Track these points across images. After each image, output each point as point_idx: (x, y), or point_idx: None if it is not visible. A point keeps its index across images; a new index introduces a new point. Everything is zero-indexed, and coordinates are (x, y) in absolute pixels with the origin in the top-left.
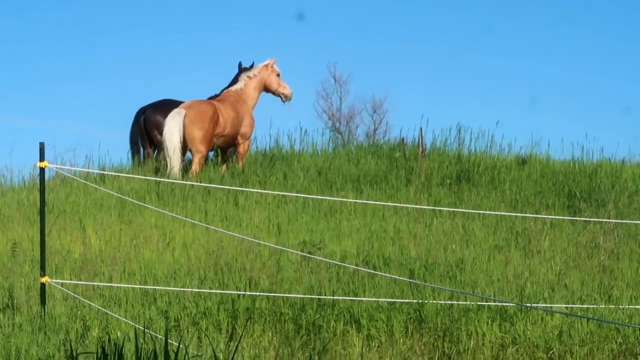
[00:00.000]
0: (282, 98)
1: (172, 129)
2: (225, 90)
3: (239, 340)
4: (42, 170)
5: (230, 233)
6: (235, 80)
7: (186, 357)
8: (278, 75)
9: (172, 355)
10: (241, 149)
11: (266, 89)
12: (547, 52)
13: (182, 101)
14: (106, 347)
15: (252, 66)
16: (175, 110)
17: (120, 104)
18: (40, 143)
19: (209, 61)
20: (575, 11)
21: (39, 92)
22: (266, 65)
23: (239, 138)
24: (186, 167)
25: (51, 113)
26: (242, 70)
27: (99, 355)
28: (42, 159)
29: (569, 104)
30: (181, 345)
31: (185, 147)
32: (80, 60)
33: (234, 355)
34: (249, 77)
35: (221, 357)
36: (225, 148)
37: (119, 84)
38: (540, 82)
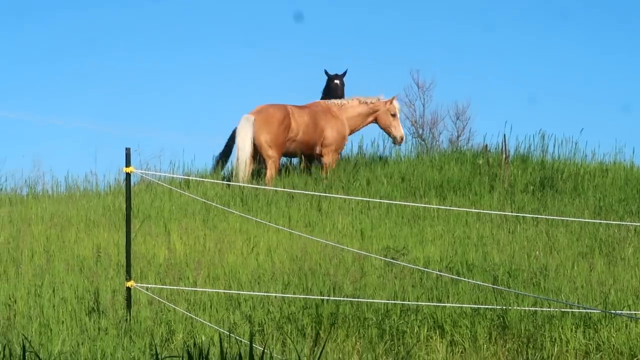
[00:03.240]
0: (392, 139)
1: (245, 137)
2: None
3: (323, 346)
4: (128, 175)
5: (314, 238)
6: (333, 91)
7: None
8: (394, 115)
9: (257, 359)
10: (325, 159)
11: (377, 122)
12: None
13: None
14: (191, 351)
15: (344, 74)
16: (245, 117)
17: (204, 110)
18: (126, 149)
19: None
20: None
21: (124, 98)
22: (385, 102)
23: (322, 148)
24: (259, 172)
25: (136, 119)
26: (330, 78)
27: (184, 359)
28: (128, 164)
29: None
30: (266, 350)
31: (256, 154)
32: (164, 67)
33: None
34: (360, 102)
35: None
36: (303, 154)
37: (202, 91)
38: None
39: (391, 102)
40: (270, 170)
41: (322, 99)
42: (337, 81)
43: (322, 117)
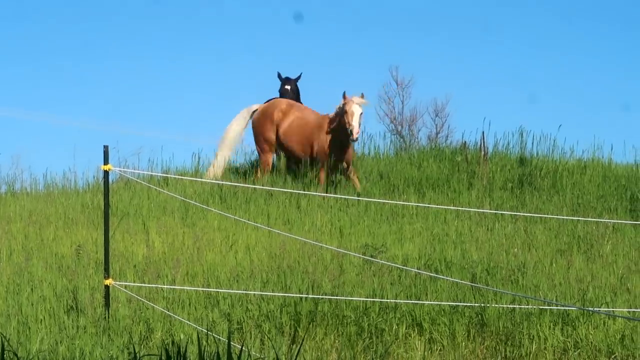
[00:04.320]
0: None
1: (236, 122)
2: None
3: (302, 343)
4: (106, 173)
5: (293, 236)
6: (283, 97)
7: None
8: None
9: (235, 358)
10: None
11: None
12: (608, 53)
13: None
14: (169, 349)
15: (298, 78)
16: (248, 108)
17: (183, 108)
18: (104, 146)
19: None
20: None
21: (102, 95)
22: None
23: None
24: (248, 171)
25: (114, 116)
26: (282, 82)
27: (162, 358)
28: (106, 162)
29: (632, 107)
30: (244, 348)
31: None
32: (143, 64)
33: (296, 358)
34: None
35: (284, 359)
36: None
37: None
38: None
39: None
40: (259, 167)
41: None
42: (287, 86)
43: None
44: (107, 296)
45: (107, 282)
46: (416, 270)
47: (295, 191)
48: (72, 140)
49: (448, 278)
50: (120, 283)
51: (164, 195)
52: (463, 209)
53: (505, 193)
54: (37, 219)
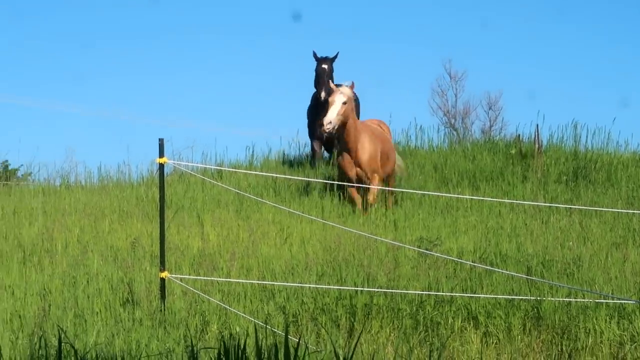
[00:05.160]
0: None
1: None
2: None
3: (359, 337)
4: (161, 166)
5: (348, 229)
6: (319, 77)
7: (306, 353)
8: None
9: (292, 351)
10: None
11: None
12: None
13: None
14: (227, 342)
15: (335, 57)
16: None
17: (236, 101)
18: (159, 139)
19: None
20: None
21: (156, 88)
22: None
23: None
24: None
25: (168, 110)
26: (318, 61)
27: (220, 350)
28: (161, 155)
29: None
30: (301, 341)
31: None
32: (196, 58)
33: (353, 351)
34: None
35: (341, 353)
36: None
37: (232, 81)
38: None
39: None
40: None
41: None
42: (324, 66)
43: None
44: (162, 289)
45: (163, 274)
46: (471, 263)
47: (349, 184)
48: (126, 134)
49: (503, 271)
50: (176, 276)
51: (218, 188)
52: (517, 202)
53: (560, 186)
54: (92, 212)
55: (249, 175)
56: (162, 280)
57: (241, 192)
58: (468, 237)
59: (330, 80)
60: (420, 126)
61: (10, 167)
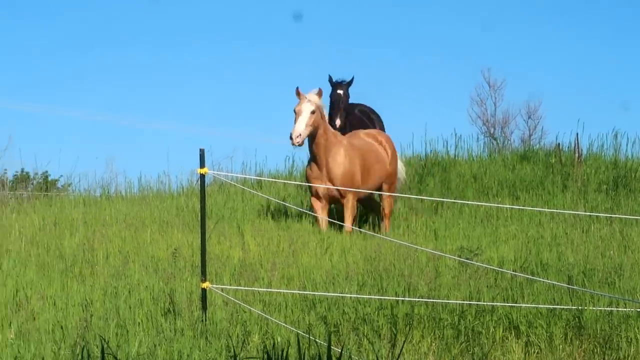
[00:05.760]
0: None
1: None
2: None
3: (402, 347)
4: (202, 176)
5: (389, 238)
6: (335, 103)
7: None
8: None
9: None
10: None
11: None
12: None
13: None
14: (270, 352)
15: (350, 82)
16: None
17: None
18: (200, 150)
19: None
20: None
21: (195, 98)
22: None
23: None
24: None
25: (207, 119)
26: (333, 86)
27: None
28: (202, 165)
29: None
30: (343, 351)
31: None
32: (237, 68)
33: None
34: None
35: None
36: None
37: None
38: None
39: None
40: None
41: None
42: (339, 91)
43: None
44: (204, 299)
45: (204, 285)
46: (512, 273)
47: (390, 194)
48: (165, 144)
49: (545, 280)
50: (217, 286)
51: (258, 198)
52: (558, 211)
53: (600, 195)
54: (132, 222)
55: (289, 185)
56: (204, 290)
57: (281, 202)
58: (508, 246)
59: (345, 107)
60: (460, 136)
61: (50, 178)
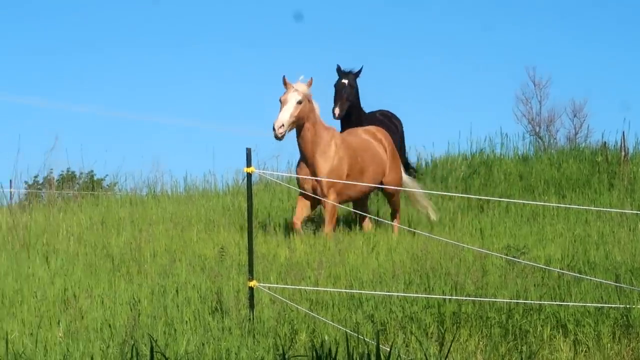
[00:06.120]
0: None
1: None
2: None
3: (450, 345)
4: (249, 175)
5: (435, 237)
6: (337, 93)
7: None
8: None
9: (384, 359)
10: None
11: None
12: None
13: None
14: (319, 351)
15: (358, 72)
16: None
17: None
18: (247, 149)
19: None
20: None
21: (240, 97)
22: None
23: None
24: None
25: (253, 118)
26: (339, 76)
27: (313, 358)
28: (248, 164)
29: None
30: (392, 350)
31: None
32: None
33: None
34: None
35: None
36: None
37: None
38: None
39: None
40: None
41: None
42: (344, 80)
43: None
44: (251, 298)
45: (252, 283)
46: (559, 271)
47: (435, 192)
48: (210, 142)
49: (592, 278)
50: (264, 285)
51: None
52: (604, 209)
53: None
54: (178, 221)
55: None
56: (251, 289)
57: (327, 201)
58: (555, 245)
59: (347, 97)
60: (506, 134)
61: (95, 177)
